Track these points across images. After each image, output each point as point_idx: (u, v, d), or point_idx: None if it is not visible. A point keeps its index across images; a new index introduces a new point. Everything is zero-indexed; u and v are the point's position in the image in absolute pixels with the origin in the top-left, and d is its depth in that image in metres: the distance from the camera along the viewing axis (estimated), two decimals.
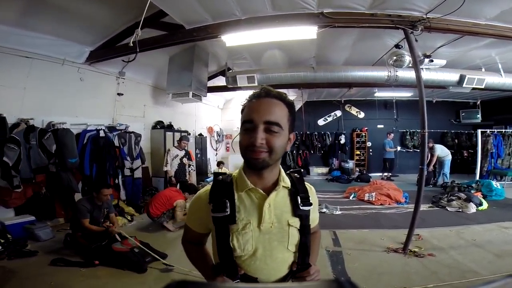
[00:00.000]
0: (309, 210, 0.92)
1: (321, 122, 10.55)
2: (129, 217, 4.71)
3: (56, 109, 4.43)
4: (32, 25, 3.75)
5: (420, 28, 3.31)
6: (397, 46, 4.34)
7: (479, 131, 7.92)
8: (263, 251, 0.87)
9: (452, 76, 5.30)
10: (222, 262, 0.89)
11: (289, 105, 0.88)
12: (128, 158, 5.30)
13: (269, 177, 0.90)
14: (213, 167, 9.36)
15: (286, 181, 0.93)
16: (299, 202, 0.90)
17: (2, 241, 3.24)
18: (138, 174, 5.46)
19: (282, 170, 0.95)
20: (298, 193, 0.92)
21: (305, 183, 0.99)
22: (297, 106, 9.66)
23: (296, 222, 0.90)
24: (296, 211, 0.90)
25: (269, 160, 0.83)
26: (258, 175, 0.89)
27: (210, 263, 1.00)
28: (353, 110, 10.46)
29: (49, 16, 3.67)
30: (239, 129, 0.89)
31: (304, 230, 0.91)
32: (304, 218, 0.91)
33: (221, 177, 0.93)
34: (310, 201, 0.93)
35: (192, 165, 5.80)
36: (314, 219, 1.03)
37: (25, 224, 3.69)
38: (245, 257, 0.87)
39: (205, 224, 0.94)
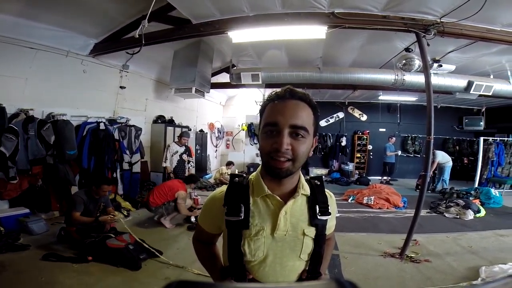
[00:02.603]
0: (326, 220, 0.88)
1: (323, 123, 10.48)
2: (125, 212, 4.65)
3: (57, 101, 4.36)
4: (38, 16, 3.69)
5: (433, 32, 3.24)
6: (407, 49, 4.27)
7: (481, 138, 7.91)
8: (273, 258, 0.84)
9: (460, 82, 5.24)
10: (231, 265, 0.86)
11: (314, 107, 0.83)
12: (128, 152, 5.23)
13: (288, 183, 0.86)
14: (212, 163, 9.30)
15: (305, 189, 0.88)
16: (317, 212, 0.85)
17: None
18: (136, 168, 5.40)
19: (302, 177, 0.90)
20: (317, 201, 0.87)
21: (326, 190, 0.93)
22: None
23: (311, 231, 0.85)
24: (313, 221, 0.85)
25: (292, 168, 0.79)
26: (277, 182, 0.84)
27: (219, 264, 0.99)
28: (356, 113, 10.41)
29: (55, 7, 3.60)
30: (260, 131, 0.82)
31: (319, 239, 0.87)
32: (320, 227, 0.87)
33: (237, 179, 0.89)
34: (329, 211, 0.88)
35: (192, 162, 5.74)
36: (331, 227, 0.99)
37: (19, 217, 3.62)
38: (254, 263, 0.84)
39: (218, 226, 0.92)
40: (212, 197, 0.95)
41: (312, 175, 0.98)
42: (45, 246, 3.23)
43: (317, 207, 0.86)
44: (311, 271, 0.88)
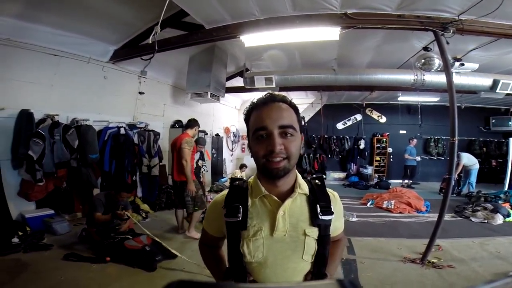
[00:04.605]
0: (330, 220, 0.86)
1: (340, 125, 10.31)
2: (144, 214, 4.78)
3: (80, 106, 4.57)
4: (60, 24, 3.89)
5: (452, 30, 3.12)
6: (425, 48, 4.13)
7: (510, 139, 7.45)
8: (274, 259, 0.84)
9: (484, 81, 4.99)
10: (231, 267, 0.88)
11: (295, 107, 0.88)
12: (147, 156, 5.38)
13: (285, 183, 0.86)
14: (228, 167, 9.38)
15: (303, 188, 0.88)
16: (319, 211, 0.85)
17: (21, 233, 3.35)
18: (155, 172, 5.52)
19: (299, 176, 0.90)
20: (317, 201, 0.86)
21: (328, 190, 0.93)
22: (316, 108, 9.52)
23: (314, 232, 0.85)
24: (314, 221, 0.85)
25: (288, 166, 0.81)
26: (274, 182, 0.85)
27: (224, 268, 0.99)
28: (374, 114, 10.14)
29: (77, 14, 3.78)
30: (250, 139, 0.85)
31: (323, 240, 0.86)
32: (323, 228, 0.85)
33: (237, 182, 0.92)
34: (332, 210, 0.87)
35: (205, 166, 5.79)
36: (338, 228, 0.99)
37: (44, 218, 3.80)
38: (255, 264, 0.85)
39: (220, 228, 0.93)
40: (214, 200, 0.98)
41: (314, 176, 0.97)
42: (66, 246, 3.37)
43: (318, 206, 0.85)
44: (316, 273, 0.87)
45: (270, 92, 0.87)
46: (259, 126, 0.81)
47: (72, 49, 4.33)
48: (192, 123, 4.09)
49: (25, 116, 3.70)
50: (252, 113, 0.86)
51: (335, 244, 1.01)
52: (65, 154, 4.01)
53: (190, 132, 4.02)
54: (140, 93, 5.72)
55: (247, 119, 0.88)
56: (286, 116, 0.81)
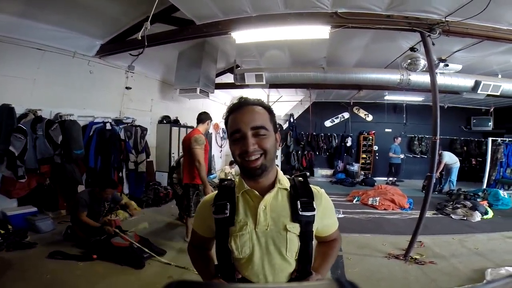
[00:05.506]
0: (312, 216, 0.88)
1: (328, 123, 10.46)
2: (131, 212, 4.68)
3: (65, 101, 4.43)
4: (44, 17, 3.74)
5: (438, 32, 3.20)
6: (412, 49, 4.22)
7: (489, 139, 7.78)
8: (261, 255, 0.86)
9: (467, 82, 5.15)
10: (220, 264, 0.90)
11: (268, 109, 0.93)
12: (133, 152, 5.28)
13: (266, 179, 0.90)
14: (217, 163, 9.34)
15: (283, 183, 0.91)
16: (299, 207, 0.87)
17: (2, 232, 3.24)
18: (142, 168, 5.44)
19: (280, 172, 0.94)
20: (298, 197, 0.89)
21: (313, 186, 0.95)
22: (305, 106, 9.59)
23: (295, 228, 0.87)
24: (295, 217, 0.87)
25: (265, 162, 0.85)
26: (254, 179, 0.88)
27: (213, 269, 0.99)
28: (361, 113, 10.33)
29: (61, 8, 3.65)
30: (229, 141, 0.91)
31: (305, 236, 0.88)
32: (304, 224, 0.87)
33: (225, 182, 0.96)
34: (313, 206, 0.89)
35: None
36: (328, 225, 1.00)
37: (27, 215, 3.69)
38: (243, 260, 0.87)
39: (209, 227, 0.94)
40: (203, 201, 1.03)
41: (298, 173, 1.00)
42: (51, 244, 3.29)
43: (299, 202, 0.88)
44: (301, 271, 0.88)
45: (244, 97, 0.93)
46: (234, 129, 0.87)
47: (56, 43, 4.18)
48: (203, 117, 3.63)
49: (5, 110, 3.55)
50: (229, 117, 0.91)
51: (328, 244, 1.03)
52: (48, 149, 3.89)
53: (201, 128, 3.58)
54: (127, 88, 5.60)
55: (226, 123, 0.93)
56: (258, 118, 0.86)
